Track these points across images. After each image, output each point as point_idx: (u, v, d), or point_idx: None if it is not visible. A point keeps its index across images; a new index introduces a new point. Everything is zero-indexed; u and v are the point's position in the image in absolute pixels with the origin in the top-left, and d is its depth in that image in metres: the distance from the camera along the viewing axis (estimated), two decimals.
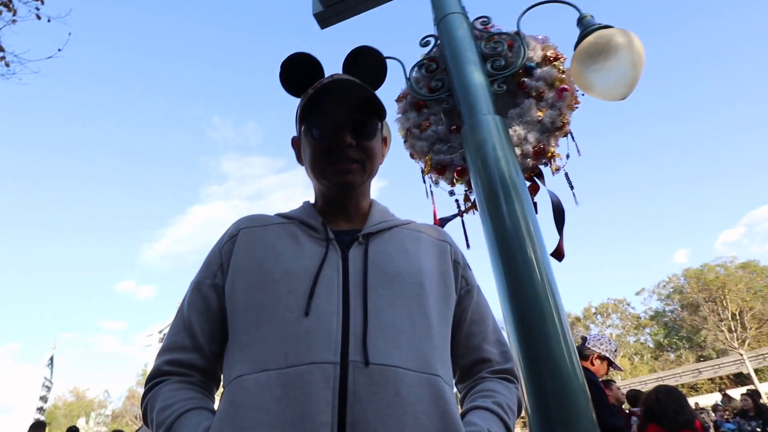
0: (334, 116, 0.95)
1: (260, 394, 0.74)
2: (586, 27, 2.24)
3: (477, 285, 1.05)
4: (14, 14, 4.99)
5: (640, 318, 41.09)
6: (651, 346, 40.50)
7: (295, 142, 1.10)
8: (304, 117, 0.99)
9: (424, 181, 2.59)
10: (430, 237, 1.02)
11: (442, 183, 2.55)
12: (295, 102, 1.09)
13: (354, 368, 0.75)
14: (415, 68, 2.60)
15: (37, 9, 5.14)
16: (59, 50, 5.48)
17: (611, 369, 3.34)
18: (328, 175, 0.97)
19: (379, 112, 0.97)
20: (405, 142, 2.63)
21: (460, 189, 2.55)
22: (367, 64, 1.01)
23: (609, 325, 40.92)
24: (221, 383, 0.94)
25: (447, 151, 2.46)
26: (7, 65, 5.27)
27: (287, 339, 0.78)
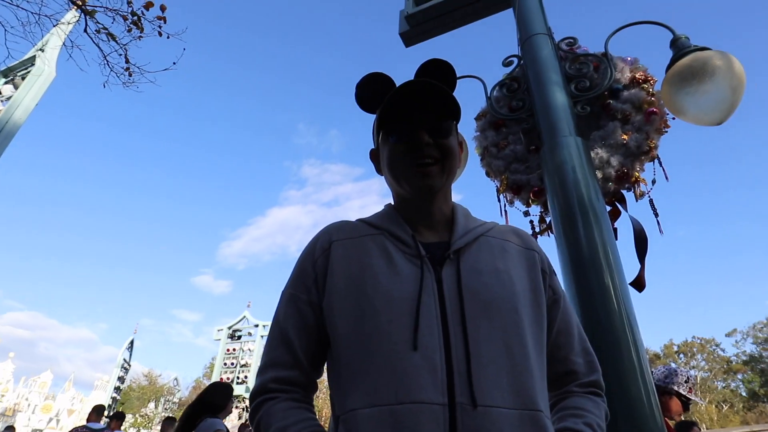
0: (410, 117, 0.97)
1: (376, 430, 0.77)
2: (680, 49, 2.14)
3: (563, 293, 1.04)
4: (141, 31, 5.76)
5: (731, 362, 37.05)
6: (744, 394, 36.30)
7: (374, 154, 1.12)
8: (381, 124, 1.01)
9: (499, 200, 2.59)
10: (516, 246, 1.01)
11: (518, 203, 2.53)
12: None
13: (462, 411, 0.77)
14: (497, 87, 2.61)
15: (160, 27, 5.85)
16: (174, 63, 6.17)
17: (689, 404, 2.73)
18: (408, 178, 0.98)
19: (454, 111, 0.98)
20: (482, 160, 2.64)
21: (535, 210, 2.52)
22: (436, 74, 1.01)
23: (693, 367, 37.31)
24: (317, 388, 1.00)
25: (524, 171, 2.44)
26: (130, 75, 6.03)
27: (395, 374, 0.80)
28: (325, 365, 0.99)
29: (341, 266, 0.95)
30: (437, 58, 1.01)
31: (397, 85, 1.02)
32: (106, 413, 6.52)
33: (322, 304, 0.95)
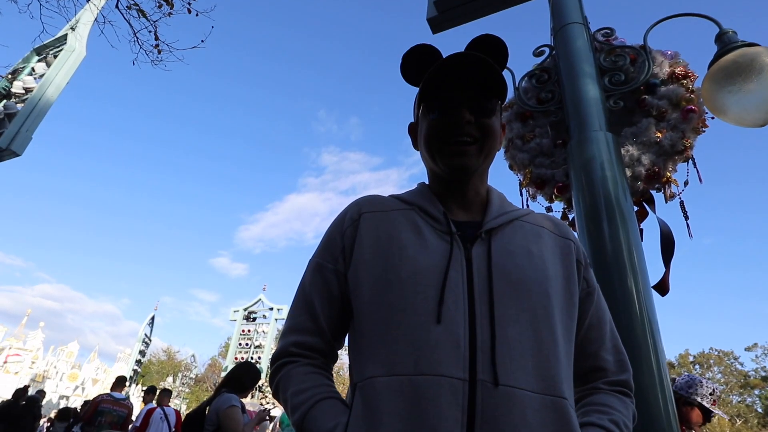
0: (453, 92, 0.93)
1: (393, 399, 0.75)
2: (726, 43, 2.02)
3: (596, 286, 0.99)
4: (171, 8, 5.71)
5: (749, 377, 36.11)
6: (759, 410, 35.40)
7: (412, 128, 1.09)
8: (422, 97, 0.97)
9: (521, 194, 2.52)
10: (552, 233, 0.97)
11: (540, 198, 2.45)
12: (410, 92, 1.08)
13: (483, 388, 0.74)
14: (525, 78, 2.53)
15: (189, 3, 5.81)
16: (202, 41, 6.14)
17: (711, 416, 2.60)
18: (443, 156, 0.94)
19: (500, 90, 0.92)
20: (506, 152, 2.57)
21: (558, 206, 2.44)
22: (486, 51, 0.95)
23: (709, 378, 36.49)
24: (337, 358, 1.00)
25: (549, 165, 2.36)
26: (159, 52, 6.04)
27: (417, 345, 0.78)
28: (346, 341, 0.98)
29: (369, 238, 0.93)
30: (489, 33, 0.96)
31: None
32: (127, 384, 6.87)
33: (347, 274, 0.93)
